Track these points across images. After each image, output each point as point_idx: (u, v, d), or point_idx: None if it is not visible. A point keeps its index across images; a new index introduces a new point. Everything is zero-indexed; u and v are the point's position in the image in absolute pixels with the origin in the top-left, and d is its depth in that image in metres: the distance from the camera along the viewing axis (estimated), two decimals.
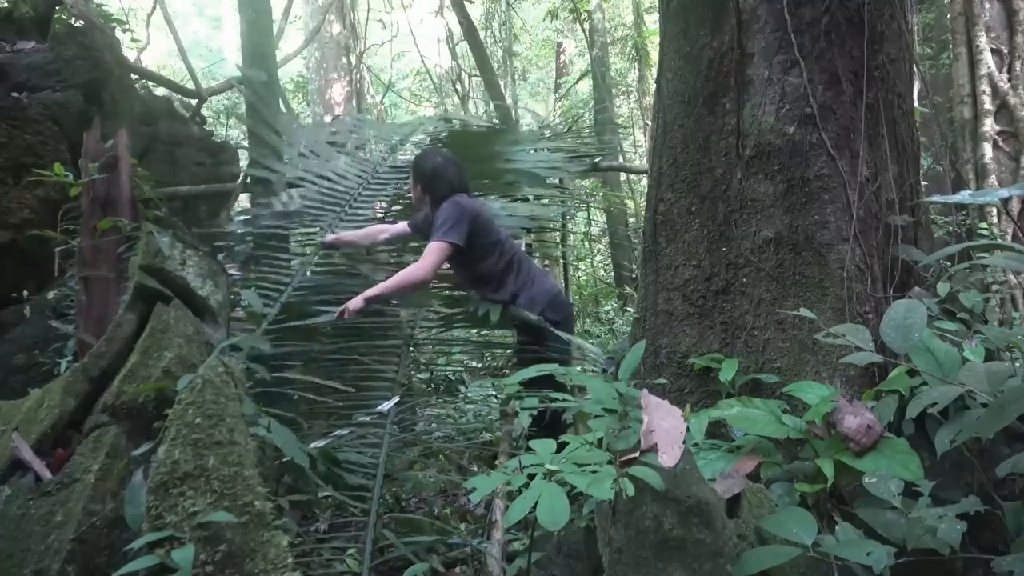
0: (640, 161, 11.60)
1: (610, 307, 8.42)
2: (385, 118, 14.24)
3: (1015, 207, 5.49)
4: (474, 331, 4.20)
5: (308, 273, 3.61)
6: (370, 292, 3.12)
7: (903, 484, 1.70)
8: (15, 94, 4.40)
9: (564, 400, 2.03)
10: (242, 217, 4.29)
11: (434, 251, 3.11)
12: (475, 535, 2.72)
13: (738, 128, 2.64)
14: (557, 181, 4.81)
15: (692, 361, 2.66)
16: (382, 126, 5.01)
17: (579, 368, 3.37)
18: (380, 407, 2.90)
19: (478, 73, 10.67)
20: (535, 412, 2.04)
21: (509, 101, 11.29)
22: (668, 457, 1.54)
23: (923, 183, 3.06)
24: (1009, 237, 5.31)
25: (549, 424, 2.44)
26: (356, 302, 3.09)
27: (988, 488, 1.85)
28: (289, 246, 3.89)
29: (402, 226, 3.71)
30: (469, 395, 4.27)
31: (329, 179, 4.16)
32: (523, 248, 4.04)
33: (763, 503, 1.79)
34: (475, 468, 3.76)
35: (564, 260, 7.49)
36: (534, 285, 3.31)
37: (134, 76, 6.00)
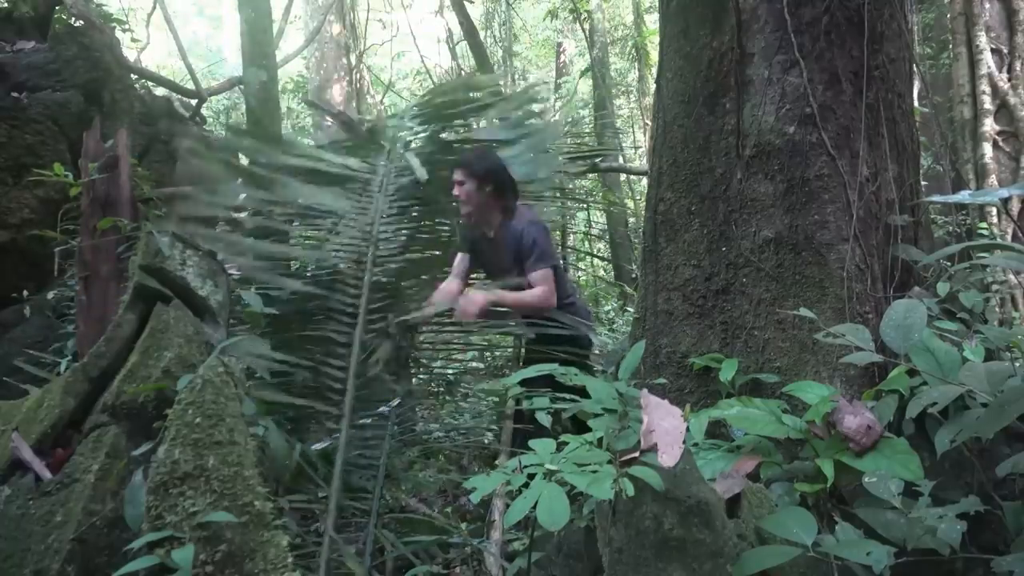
0: (640, 161, 11.60)
1: (610, 307, 8.42)
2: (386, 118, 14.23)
3: (1015, 207, 5.49)
4: (474, 332, 4.19)
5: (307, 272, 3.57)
6: (496, 296, 3.02)
7: (903, 484, 1.70)
8: (15, 94, 4.40)
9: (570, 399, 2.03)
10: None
11: (548, 279, 3.04)
12: (475, 535, 2.72)
13: (738, 128, 2.64)
14: (556, 182, 4.81)
15: (692, 361, 2.66)
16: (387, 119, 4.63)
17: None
18: (380, 409, 2.90)
19: (478, 73, 10.66)
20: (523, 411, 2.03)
21: None
22: (668, 457, 1.54)
23: (923, 183, 3.06)
24: (1009, 237, 5.31)
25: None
26: (479, 299, 2.97)
27: (988, 488, 1.85)
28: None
29: (462, 265, 3.37)
30: (469, 395, 4.27)
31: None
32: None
33: (763, 503, 1.79)
34: (475, 468, 3.76)
35: (564, 260, 7.48)
36: (575, 298, 3.34)
37: (134, 76, 6.00)
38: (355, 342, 2.95)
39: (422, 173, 3.61)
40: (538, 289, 3.03)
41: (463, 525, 3.00)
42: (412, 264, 3.52)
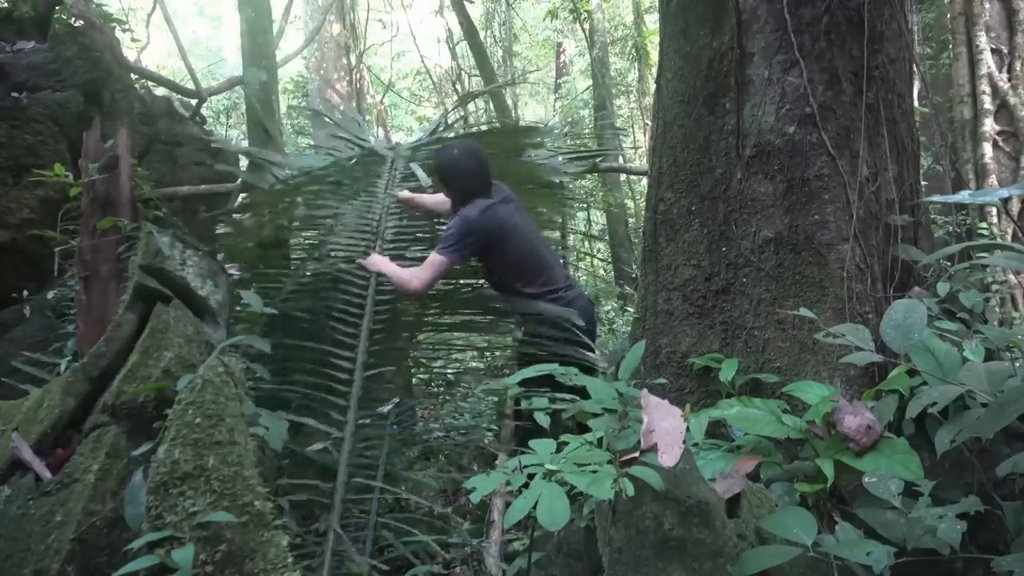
0: (640, 161, 11.60)
1: (610, 307, 8.41)
2: (385, 118, 14.25)
3: (1015, 207, 5.48)
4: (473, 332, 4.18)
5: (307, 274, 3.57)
6: (381, 266, 3.23)
7: (903, 484, 1.71)
8: (15, 94, 4.39)
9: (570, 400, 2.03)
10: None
11: (433, 265, 3.10)
12: (475, 535, 2.72)
13: (738, 128, 2.64)
14: (557, 182, 4.79)
15: (692, 361, 2.66)
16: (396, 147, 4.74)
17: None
18: (380, 408, 2.90)
19: (478, 73, 10.67)
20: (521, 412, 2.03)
21: (509, 101, 11.29)
22: (668, 457, 1.54)
23: (923, 183, 3.06)
24: (1009, 237, 5.31)
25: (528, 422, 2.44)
26: (372, 262, 3.24)
27: (988, 488, 1.85)
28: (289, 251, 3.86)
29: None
30: (469, 395, 4.27)
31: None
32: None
33: (763, 503, 1.79)
34: (475, 468, 3.76)
35: (564, 260, 7.47)
36: (562, 293, 3.27)
37: (134, 76, 5.99)
38: (362, 333, 3.06)
39: (426, 180, 3.73)
40: (407, 269, 3.18)
41: (464, 525, 3.00)
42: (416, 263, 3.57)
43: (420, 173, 3.78)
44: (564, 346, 3.07)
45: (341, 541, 2.28)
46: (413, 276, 3.13)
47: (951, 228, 4.93)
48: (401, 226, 3.66)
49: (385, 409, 2.84)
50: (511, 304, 3.34)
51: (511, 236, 3.22)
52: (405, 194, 3.73)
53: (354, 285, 3.28)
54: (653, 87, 4.63)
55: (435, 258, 3.11)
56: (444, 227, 3.38)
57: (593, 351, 3.16)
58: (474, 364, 4.51)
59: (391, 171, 4.02)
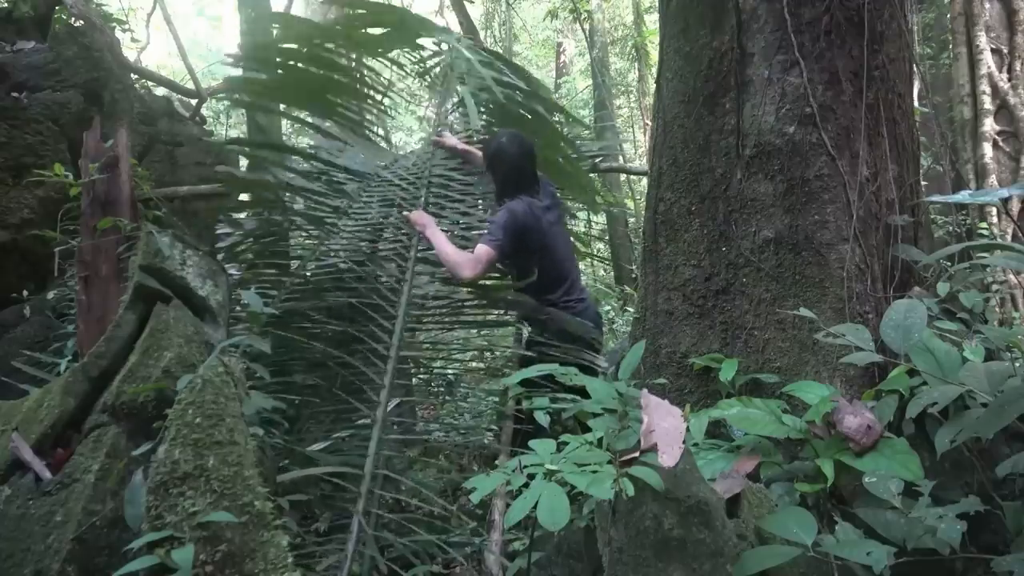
0: (640, 161, 11.60)
1: (610, 307, 8.41)
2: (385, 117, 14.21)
3: (1015, 207, 5.49)
4: (475, 331, 4.18)
5: (308, 273, 3.54)
6: (432, 233, 3.13)
7: (903, 484, 1.71)
8: (15, 94, 4.40)
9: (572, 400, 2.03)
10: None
11: (486, 260, 2.99)
12: (475, 535, 2.72)
13: (738, 128, 2.64)
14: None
15: (692, 361, 2.66)
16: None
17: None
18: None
19: None
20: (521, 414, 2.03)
21: None
22: (668, 457, 1.54)
23: (923, 183, 3.06)
24: (1009, 237, 5.31)
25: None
26: (419, 221, 3.18)
27: (988, 488, 1.86)
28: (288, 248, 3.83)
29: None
30: (469, 395, 4.27)
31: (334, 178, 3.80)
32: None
33: (763, 503, 1.79)
34: (475, 468, 3.76)
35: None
36: (574, 306, 3.23)
37: (134, 76, 6.00)
38: (401, 303, 3.02)
39: (476, 121, 3.51)
40: (463, 253, 3.04)
41: (468, 525, 2.99)
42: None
43: (471, 104, 3.54)
44: (570, 353, 3.05)
45: (362, 529, 2.28)
46: (469, 264, 2.99)
47: (951, 228, 4.93)
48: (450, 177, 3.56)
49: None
50: (522, 307, 3.32)
51: (548, 247, 3.19)
52: (450, 140, 3.64)
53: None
54: (653, 87, 4.63)
55: (486, 250, 3.01)
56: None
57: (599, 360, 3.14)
58: (474, 364, 4.51)
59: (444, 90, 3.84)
